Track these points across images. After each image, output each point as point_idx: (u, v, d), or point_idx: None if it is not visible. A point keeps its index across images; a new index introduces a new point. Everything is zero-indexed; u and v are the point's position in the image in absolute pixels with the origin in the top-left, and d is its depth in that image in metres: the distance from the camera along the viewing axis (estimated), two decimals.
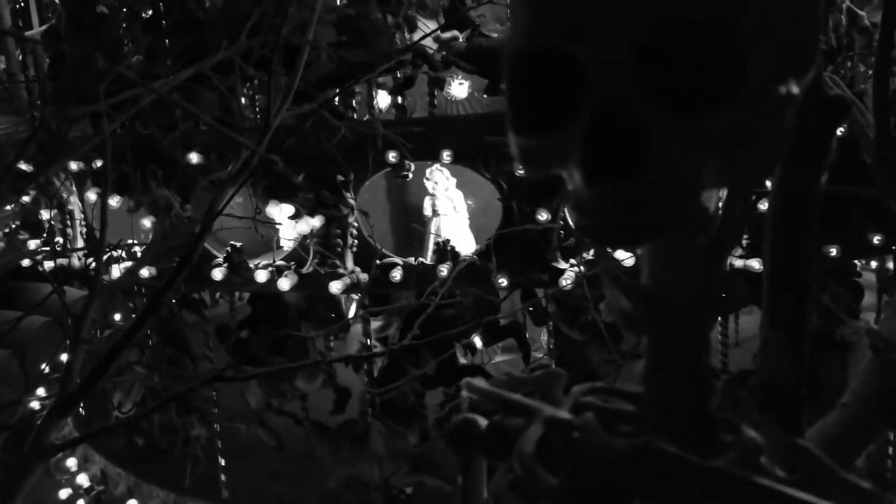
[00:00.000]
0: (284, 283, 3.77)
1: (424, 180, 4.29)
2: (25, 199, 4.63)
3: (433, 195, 4.36)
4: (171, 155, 3.70)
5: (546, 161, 0.59)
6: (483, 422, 0.77)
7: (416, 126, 3.90)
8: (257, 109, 4.39)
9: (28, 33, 4.71)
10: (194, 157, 3.89)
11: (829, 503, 0.55)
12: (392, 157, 3.70)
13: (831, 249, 3.56)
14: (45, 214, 4.80)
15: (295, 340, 4.24)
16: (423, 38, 3.68)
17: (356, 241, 3.93)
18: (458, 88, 5.04)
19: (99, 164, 4.10)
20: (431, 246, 4.20)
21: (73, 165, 4.30)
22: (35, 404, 4.04)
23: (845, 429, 1.31)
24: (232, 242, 3.93)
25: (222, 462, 4.47)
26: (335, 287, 3.74)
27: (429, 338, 2.96)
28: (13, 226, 4.83)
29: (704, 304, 0.61)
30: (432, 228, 4.34)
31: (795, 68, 0.53)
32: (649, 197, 0.54)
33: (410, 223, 4.48)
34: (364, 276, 3.83)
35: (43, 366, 5.23)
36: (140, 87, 2.01)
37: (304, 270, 3.81)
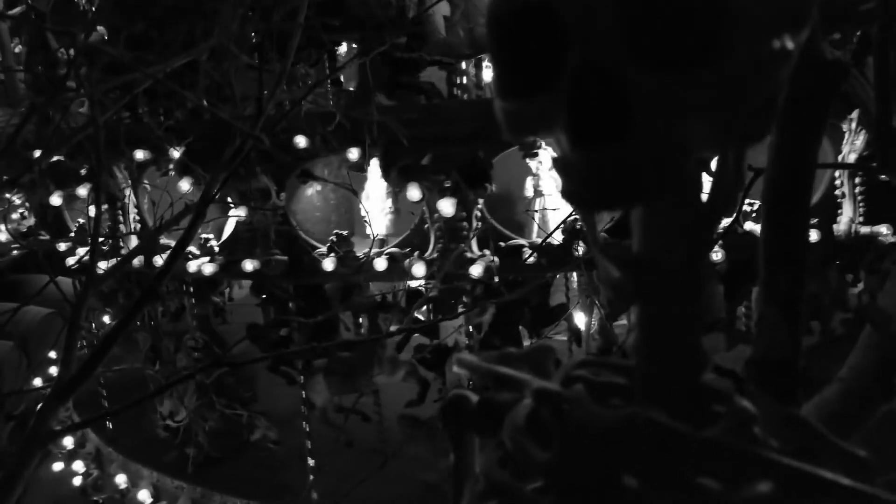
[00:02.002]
0: (419, 270, 3.58)
1: (527, 159, 4.05)
2: (81, 192, 4.25)
3: (536, 175, 4.22)
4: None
5: (531, 126, 0.57)
6: (474, 398, 0.76)
7: None
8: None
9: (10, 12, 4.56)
10: (302, 142, 3.57)
11: (825, 472, 0.54)
12: None
13: None
14: (91, 211, 4.54)
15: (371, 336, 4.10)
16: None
17: (479, 224, 3.71)
18: (486, 71, 4.91)
19: (176, 153, 3.78)
20: (537, 226, 4.09)
21: (140, 154, 3.94)
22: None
23: (842, 404, 1.30)
24: (336, 231, 3.76)
25: (311, 462, 4.25)
26: (475, 271, 3.53)
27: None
28: (18, 218, 4.63)
29: (695, 272, 0.59)
30: (536, 208, 4.22)
31: (790, 22, 0.51)
32: (636, 161, 0.52)
33: (496, 208, 4.34)
34: (496, 260, 3.62)
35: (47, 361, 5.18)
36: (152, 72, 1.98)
37: (428, 256, 3.62)
